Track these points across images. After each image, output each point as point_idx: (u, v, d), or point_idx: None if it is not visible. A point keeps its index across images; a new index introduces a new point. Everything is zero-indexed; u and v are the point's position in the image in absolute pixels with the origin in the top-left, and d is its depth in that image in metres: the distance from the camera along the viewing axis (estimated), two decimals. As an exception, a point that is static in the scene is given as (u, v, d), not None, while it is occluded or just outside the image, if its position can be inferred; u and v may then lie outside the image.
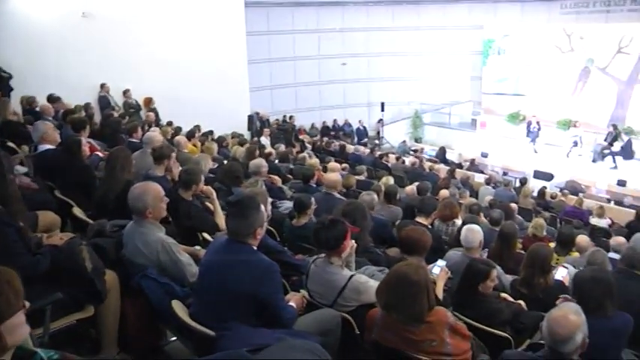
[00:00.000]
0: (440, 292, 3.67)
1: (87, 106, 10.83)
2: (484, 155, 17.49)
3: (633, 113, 17.51)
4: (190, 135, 10.49)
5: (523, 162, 16.80)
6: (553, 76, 19.11)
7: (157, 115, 13.25)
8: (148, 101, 14.00)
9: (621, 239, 6.72)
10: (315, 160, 9.78)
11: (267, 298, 2.81)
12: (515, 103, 19.87)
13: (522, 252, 5.31)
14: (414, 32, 21.04)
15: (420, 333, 2.80)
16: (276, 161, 9.81)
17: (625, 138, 16.05)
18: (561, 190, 13.29)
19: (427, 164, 13.69)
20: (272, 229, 4.62)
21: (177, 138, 8.60)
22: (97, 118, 11.10)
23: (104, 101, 13.03)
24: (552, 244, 6.32)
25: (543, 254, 4.30)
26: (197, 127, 11.88)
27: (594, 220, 10.18)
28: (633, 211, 10.32)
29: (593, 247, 5.80)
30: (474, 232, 4.54)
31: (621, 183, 14.52)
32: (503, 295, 4.07)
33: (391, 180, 8.20)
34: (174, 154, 5.48)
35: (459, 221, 5.99)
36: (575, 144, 16.66)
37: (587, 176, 15.42)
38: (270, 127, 16.26)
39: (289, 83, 19.89)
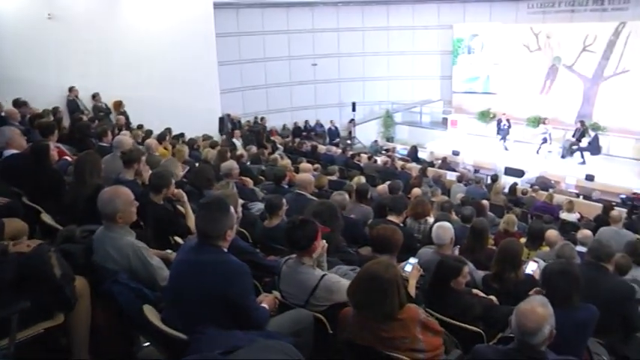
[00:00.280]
0: (412, 290, 3.70)
1: (55, 110, 10.62)
2: (455, 153, 17.66)
3: (599, 109, 17.99)
4: (161, 138, 10.39)
5: (494, 159, 17.02)
6: (522, 75, 19.48)
7: (127, 118, 13.08)
8: (118, 104, 13.79)
9: (587, 232, 6.89)
10: (286, 161, 9.79)
11: (238, 299, 2.80)
12: (486, 102, 20.17)
13: (494, 248, 5.37)
14: (383, 32, 21.22)
15: (391, 330, 2.82)
16: (248, 163, 9.79)
17: (592, 134, 16.39)
18: (532, 186, 13.50)
19: (399, 163, 13.78)
20: (244, 230, 4.61)
21: (147, 141, 8.52)
22: (66, 122, 10.91)
23: (73, 105, 12.82)
24: (523, 239, 6.44)
25: (514, 249, 4.38)
26: (168, 130, 11.75)
27: (564, 215, 10.36)
28: (601, 205, 10.56)
29: (562, 241, 5.93)
30: (445, 230, 4.60)
31: (589, 178, 14.82)
32: (475, 290, 4.13)
33: (363, 180, 8.24)
34: (143, 158, 5.43)
35: (431, 219, 6.03)
36: (545, 140, 16.96)
37: (557, 172, 15.69)
38: (241, 128, 16.19)
39: (260, 84, 19.84)
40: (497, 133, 18.37)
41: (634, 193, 13.11)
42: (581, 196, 13.33)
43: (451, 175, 13.56)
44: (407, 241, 4.57)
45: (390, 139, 20.87)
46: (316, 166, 10.42)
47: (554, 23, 18.87)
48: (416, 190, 8.48)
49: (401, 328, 2.83)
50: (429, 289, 3.88)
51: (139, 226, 4.03)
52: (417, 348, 2.85)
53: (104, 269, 3.23)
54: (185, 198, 4.68)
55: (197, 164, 8.29)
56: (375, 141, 20.11)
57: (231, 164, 6.60)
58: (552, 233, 6.45)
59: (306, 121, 20.68)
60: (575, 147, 16.41)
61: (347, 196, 5.71)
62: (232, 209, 2.97)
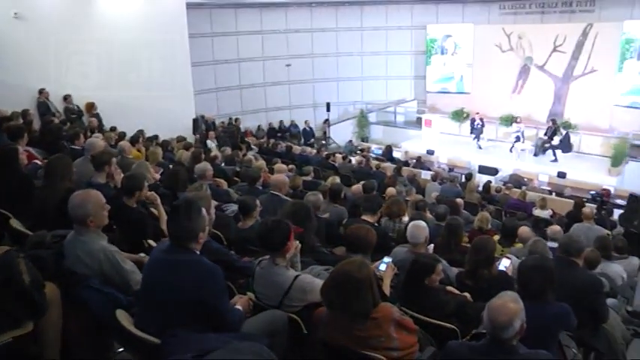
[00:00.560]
0: (387, 289, 3.73)
1: (25, 113, 10.41)
2: (430, 152, 17.81)
3: (570, 108, 18.42)
4: (134, 140, 10.29)
5: (468, 158, 17.25)
6: (495, 75, 19.77)
7: (100, 120, 12.88)
8: (90, 106, 13.57)
9: (557, 228, 7.01)
10: (261, 162, 9.76)
11: (211, 301, 2.79)
12: (459, 101, 20.39)
13: (468, 245, 5.41)
14: (357, 33, 21.34)
15: (366, 330, 2.83)
16: (223, 164, 9.74)
17: (563, 132, 16.72)
18: (505, 184, 13.66)
19: (374, 163, 13.83)
20: (218, 232, 4.59)
21: (120, 143, 8.41)
22: (37, 125, 10.72)
23: (43, 107, 12.56)
24: (497, 237, 6.53)
25: (486, 246, 4.41)
26: (141, 132, 11.65)
27: (537, 212, 10.52)
28: (573, 202, 10.75)
29: (535, 237, 6.01)
30: (419, 229, 4.63)
31: (561, 175, 15.09)
32: (449, 288, 4.16)
33: (337, 180, 8.25)
34: (114, 159, 5.37)
35: (405, 218, 6.08)
36: (518, 139, 17.19)
37: (530, 170, 15.96)
38: (215, 129, 16.11)
39: (234, 85, 19.76)
40: (471, 132, 18.57)
41: (603, 190, 13.38)
42: (553, 193, 13.58)
43: (426, 174, 13.65)
44: (381, 241, 4.60)
45: (364, 139, 20.96)
46: (291, 166, 10.39)
47: (526, 24, 19.23)
48: (390, 190, 8.52)
49: (375, 327, 2.84)
50: (403, 287, 3.90)
51: (112, 229, 4.00)
52: (392, 346, 2.86)
53: (76, 274, 3.17)
54: (158, 200, 4.65)
55: (171, 166, 8.23)
56: (350, 141, 20.18)
57: (204, 166, 6.57)
58: (525, 230, 6.53)
59: (281, 122, 20.67)
60: (547, 145, 16.71)
61: (321, 197, 5.72)
62: (204, 211, 2.96)
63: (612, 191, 13.55)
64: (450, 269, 4.65)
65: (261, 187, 7.06)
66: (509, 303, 2.70)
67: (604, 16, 17.68)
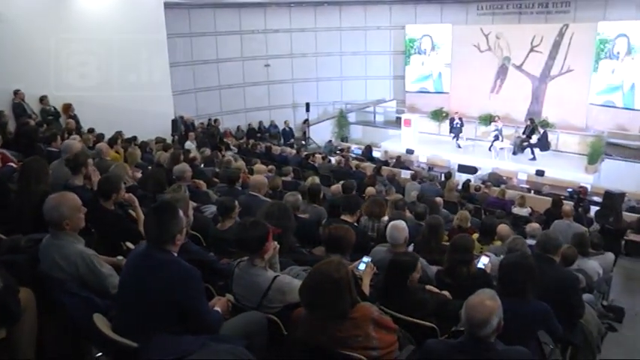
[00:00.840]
0: (366, 288, 3.73)
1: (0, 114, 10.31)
2: (409, 152, 17.88)
3: (547, 107, 18.71)
4: (112, 141, 10.16)
5: (447, 157, 17.35)
6: (473, 74, 19.95)
7: (77, 122, 12.69)
8: (67, 108, 13.36)
9: (535, 225, 7.09)
10: (241, 163, 9.72)
11: (189, 304, 2.77)
12: (438, 101, 20.55)
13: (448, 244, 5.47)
14: (336, 33, 21.40)
15: (344, 330, 2.82)
16: (202, 165, 9.69)
17: (541, 131, 16.93)
18: (484, 182, 13.75)
19: (353, 163, 13.84)
20: (197, 234, 4.57)
21: (98, 145, 8.31)
22: (12, 126, 10.57)
23: (19, 109, 12.34)
24: (476, 235, 6.59)
25: (465, 244, 4.46)
26: (119, 133, 11.51)
27: (516, 210, 10.61)
28: (551, 199, 10.88)
29: (514, 235, 6.08)
30: (399, 230, 4.63)
31: (540, 173, 15.26)
32: (429, 287, 4.18)
33: (317, 180, 8.25)
34: (90, 161, 5.31)
35: (385, 217, 6.10)
36: (496, 138, 17.34)
37: (509, 168, 16.14)
38: (195, 130, 16.02)
39: (213, 86, 19.69)
40: (450, 132, 18.69)
41: (580, 187, 13.55)
42: (532, 191, 13.74)
43: (405, 174, 13.68)
44: (361, 240, 4.61)
45: (344, 139, 21.00)
46: (271, 167, 10.36)
47: (503, 24, 19.45)
48: (370, 189, 8.54)
49: (354, 327, 2.83)
50: (382, 286, 3.91)
51: (90, 232, 3.95)
52: (371, 346, 2.85)
53: (52, 279, 3.13)
54: (137, 202, 4.61)
55: (150, 167, 8.16)
56: (330, 141, 20.20)
57: (183, 167, 6.53)
58: (504, 228, 6.58)
59: (260, 122, 20.64)
60: (525, 144, 16.88)
61: (300, 197, 5.71)
62: (181, 213, 2.94)
63: (589, 188, 13.71)
64: (430, 268, 4.68)
65: (240, 188, 7.04)
66: (487, 300, 2.72)
67: (579, 17, 17.98)
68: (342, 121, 21.44)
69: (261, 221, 3.41)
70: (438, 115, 20.04)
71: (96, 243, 3.80)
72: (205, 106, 19.41)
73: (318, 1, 20.81)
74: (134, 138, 12.09)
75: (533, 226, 7.06)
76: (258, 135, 19.94)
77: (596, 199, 12.43)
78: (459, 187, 12.58)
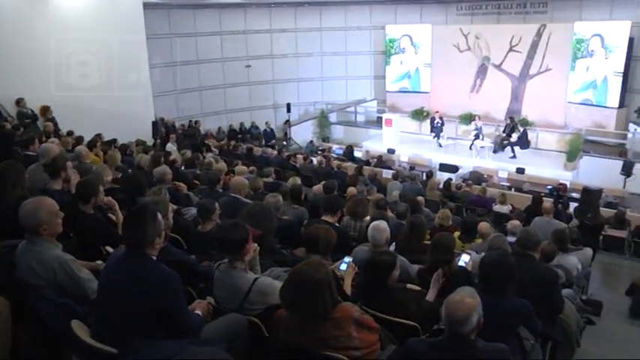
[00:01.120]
0: (348, 288, 3.74)
1: (-26, 118, 10.15)
2: (391, 152, 17.95)
3: (527, 106, 18.95)
4: (92, 144, 10.07)
5: (429, 156, 17.49)
6: (453, 74, 20.10)
7: (55, 124, 12.50)
8: (45, 110, 13.18)
9: (516, 222, 7.14)
10: (222, 164, 9.67)
11: (169, 308, 2.75)
12: (419, 100, 20.68)
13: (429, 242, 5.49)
14: (316, 33, 21.44)
15: (326, 330, 2.82)
16: (183, 167, 9.63)
17: (521, 129, 17.11)
18: (465, 180, 13.86)
19: (335, 163, 13.83)
20: (178, 237, 4.54)
21: (77, 148, 8.22)
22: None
23: (-6, 112, 12.25)
24: (458, 233, 6.63)
25: (446, 243, 4.47)
26: (98, 136, 11.40)
27: (497, 207, 10.67)
28: (531, 196, 10.99)
29: (494, 233, 6.13)
30: (380, 231, 4.62)
31: (520, 171, 15.43)
32: (410, 285, 4.20)
33: (298, 181, 8.24)
34: (69, 164, 5.25)
35: (367, 217, 6.10)
36: (477, 137, 17.49)
37: (489, 166, 16.30)
38: (176, 132, 15.91)
39: (194, 87, 19.60)
40: (431, 131, 18.80)
41: (559, 184, 13.71)
42: (512, 189, 13.89)
43: (387, 173, 13.72)
44: (342, 240, 4.61)
45: (325, 139, 21.01)
46: (252, 168, 10.32)
47: (482, 25, 19.66)
48: (351, 189, 8.54)
49: (335, 328, 2.83)
50: (363, 285, 3.92)
51: (69, 237, 3.91)
52: (353, 346, 2.85)
53: (28, 285, 3.06)
54: (117, 206, 4.56)
55: (130, 170, 8.09)
56: (311, 141, 20.18)
57: (163, 169, 6.49)
58: (484, 225, 6.64)
59: (242, 124, 20.55)
60: (505, 142, 17.07)
61: (280, 198, 5.70)
62: (160, 216, 2.92)
63: (568, 185, 13.90)
64: (411, 266, 4.69)
65: (221, 190, 7.01)
66: (467, 298, 2.74)
67: (556, 18, 18.28)
68: (323, 121, 21.44)
69: (241, 223, 3.40)
70: (418, 114, 20.15)
71: (75, 248, 3.75)
72: (186, 108, 19.31)
73: (299, 2, 20.80)
74: (114, 141, 11.97)
75: (514, 223, 7.10)
76: (240, 136, 19.85)
77: (575, 195, 12.60)
78: (441, 185, 12.63)
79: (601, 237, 9.53)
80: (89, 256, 3.78)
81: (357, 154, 17.48)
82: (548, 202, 9.44)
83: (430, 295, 3.78)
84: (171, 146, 13.51)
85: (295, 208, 6.21)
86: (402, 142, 19.06)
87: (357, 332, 2.88)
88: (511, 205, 11.07)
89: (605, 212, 10.91)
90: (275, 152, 15.32)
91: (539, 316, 3.76)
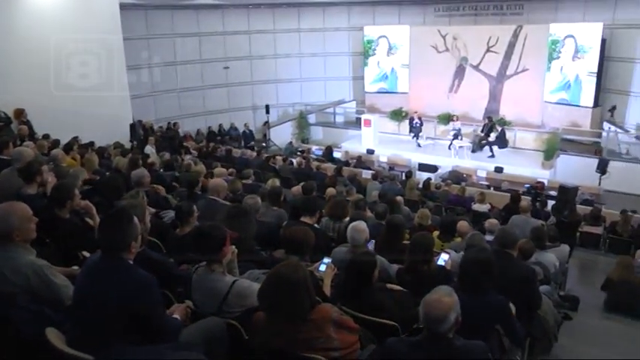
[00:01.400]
0: (327, 289, 3.73)
1: (-55, 123, 9.95)
2: (370, 152, 18.01)
3: (505, 106, 19.19)
4: (68, 147, 9.95)
5: (408, 156, 17.58)
6: (432, 74, 20.26)
7: (30, 127, 12.31)
8: (19, 113, 12.89)
9: (494, 221, 7.23)
10: (201, 167, 9.63)
11: (146, 312, 2.72)
12: (398, 101, 20.78)
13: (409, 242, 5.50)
14: (295, 34, 21.44)
15: (305, 332, 2.81)
16: (161, 170, 9.57)
17: (499, 129, 17.33)
18: (444, 180, 13.95)
19: (314, 164, 13.84)
20: (156, 240, 4.49)
21: (53, 152, 8.12)
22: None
23: (-34, 116, 12.01)
24: (437, 232, 6.66)
25: (425, 242, 4.49)
26: (75, 139, 11.27)
27: (476, 206, 10.75)
28: (510, 195, 11.09)
29: (473, 231, 6.18)
30: (359, 231, 4.64)
31: (498, 170, 15.62)
32: (390, 285, 4.21)
33: (277, 182, 8.22)
34: (45, 167, 5.17)
35: (347, 218, 6.11)
36: (456, 136, 17.66)
37: (468, 166, 16.47)
38: (154, 134, 15.77)
39: (172, 89, 19.44)
40: (410, 131, 18.92)
41: (537, 182, 13.88)
42: (491, 188, 13.99)
43: (366, 174, 13.75)
44: (321, 241, 4.60)
45: (304, 141, 21.01)
46: (231, 170, 10.27)
47: (460, 26, 19.86)
48: (330, 190, 8.55)
49: (314, 329, 2.82)
50: (343, 286, 3.91)
51: (44, 242, 3.84)
52: (332, 347, 2.84)
53: (0, 293, 3.00)
54: (94, 210, 4.50)
55: (108, 173, 8.01)
56: (290, 142, 20.18)
57: (141, 172, 6.40)
58: (463, 224, 6.68)
59: (220, 125, 20.49)
60: (484, 142, 17.26)
61: (259, 200, 5.67)
62: (136, 220, 2.89)
63: (546, 183, 14.08)
64: (391, 266, 4.69)
65: (200, 192, 6.97)
66: (444, 297, 2.75)
67: (532, 19, 18.56)
68: (302, 122, 21.45)
69: (218, 226, 3.38)
70: (397, 115, 20.26)
71: (52, 253, 3.69)
72: (164, 110, 19.16)
73: (277, 3, 20.77)
74: (91, 143, 11.82)
75: (492, 222, 7.18)
76: (219, 138, 19.76)
77: (552, 193, 12.73)
78: (420, 185, 12.70)
79: (578, 234, 9.67)
80: (66, 262, 3.72)
81: (337, 154, 17.50)
82: (525, 201, 9.55)
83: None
84: (149, 149, 13.39)
85: (274, 209, 6.17)
86: (381, 142, 19.17)
87: (337, 333, 2.87)
88: (490, 203, 11.17)
89: (582, 209, 11.08)
90: (254, 154, 15.29)
91: (518, 314, 3.80)
